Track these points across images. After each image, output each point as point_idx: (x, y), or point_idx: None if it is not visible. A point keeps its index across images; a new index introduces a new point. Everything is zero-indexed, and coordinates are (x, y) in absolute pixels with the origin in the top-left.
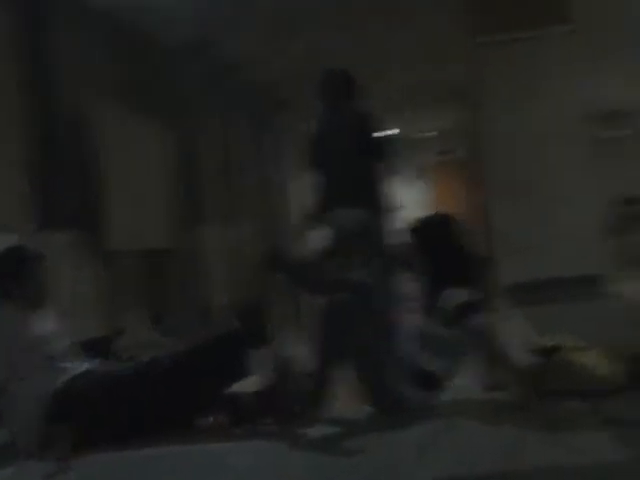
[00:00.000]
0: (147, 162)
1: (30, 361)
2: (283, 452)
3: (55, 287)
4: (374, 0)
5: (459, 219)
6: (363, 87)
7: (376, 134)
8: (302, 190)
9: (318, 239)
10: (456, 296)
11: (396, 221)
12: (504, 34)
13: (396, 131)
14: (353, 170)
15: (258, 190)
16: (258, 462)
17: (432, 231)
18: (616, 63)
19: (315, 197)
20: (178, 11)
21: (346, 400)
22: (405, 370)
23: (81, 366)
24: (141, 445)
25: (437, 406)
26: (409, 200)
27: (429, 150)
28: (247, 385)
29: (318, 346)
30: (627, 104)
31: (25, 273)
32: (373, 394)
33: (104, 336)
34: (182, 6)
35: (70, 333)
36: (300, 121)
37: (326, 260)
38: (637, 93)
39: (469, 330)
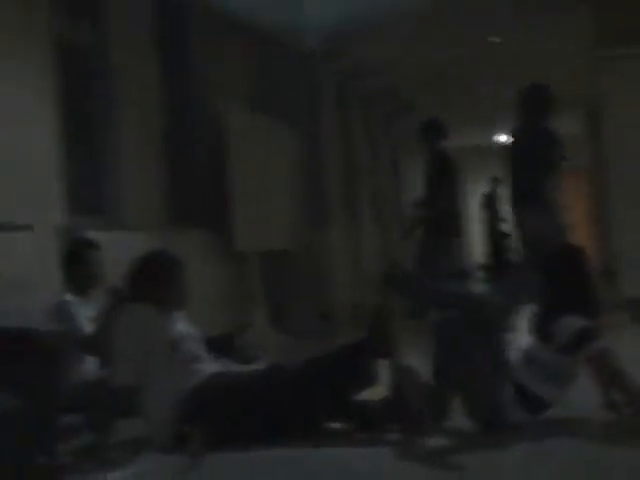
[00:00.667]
0: (273, 164)
1: (166, 361)
2: (404, 460)
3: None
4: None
5: (585, 246)
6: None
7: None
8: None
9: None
10: (574, 323)
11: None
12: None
13: (504, 137)
14: (541, 181)
15: (383, 195)
16: (381, 468)
17: (562, 263)
18: None
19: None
20: (312, 17)
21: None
22: (514, 392)
23: (212, 367)
24: (270, 446)
25: (545, 426)
26: None
27: None
28: (373, 393)
29: (433, 362)
30: None
31: (166, 278)
32: (481, 412)
33: (229, 333)
34: (318, 12)
35: (200, 333)
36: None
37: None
38: None
39: (586, 358)
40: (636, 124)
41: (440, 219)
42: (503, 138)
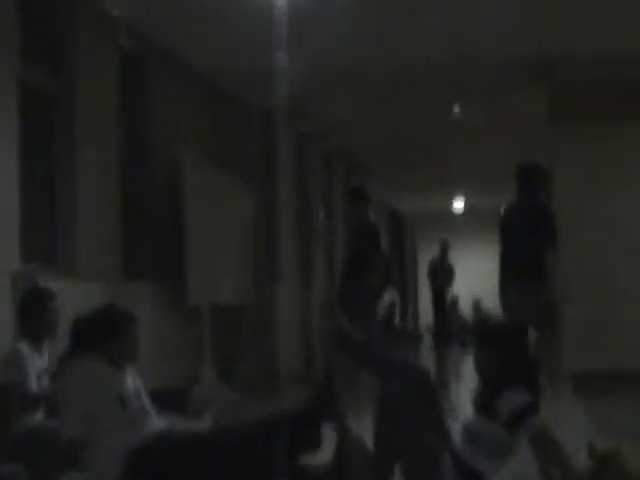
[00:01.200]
0: (228, 221)
1: (115, 417)
2: None
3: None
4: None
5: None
6: None
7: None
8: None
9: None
10: (515, 398)
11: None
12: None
13: (461, 205)
14: (533, 253)
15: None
16: None
17: (506, 341)
18: None
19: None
20: (272, 76)
21: None
22: (451, 462)
23: (158, 424)
24: None
25: None
26: (477, 280)
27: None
28: (317, 458)
29: (375, 428)
30: None
31: (118, 333)
32: None
33: (177, 388)
34: (277, 72)
35: (147, 387)
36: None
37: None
38: None
39: (527, 430)
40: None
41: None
42: (459, 204)
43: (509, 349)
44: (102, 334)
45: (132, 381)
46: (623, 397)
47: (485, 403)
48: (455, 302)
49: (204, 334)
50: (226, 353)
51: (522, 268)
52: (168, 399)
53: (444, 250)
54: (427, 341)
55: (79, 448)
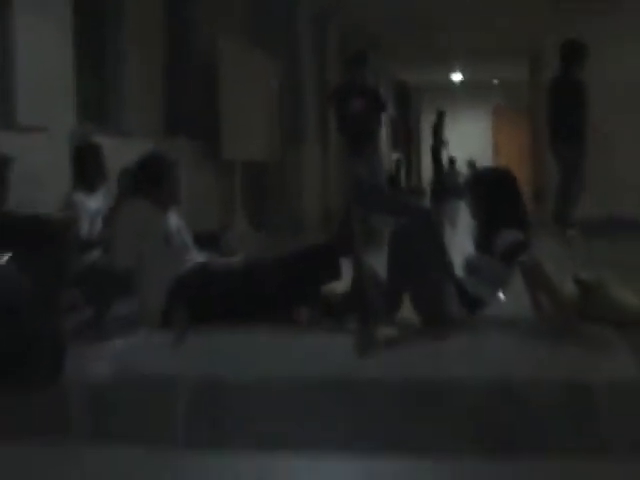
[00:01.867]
0: (258, 86)
1: (160, 250)
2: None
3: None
4: None
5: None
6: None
7: None
8: None
9: None
10: (510, 236)
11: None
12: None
13: (459, 77)
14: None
15: None
16: (340, 353)
17: (492, 185)
18: None
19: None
20: None
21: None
22: (455, 291)
23: (198, 257)
24: (245, 325)
25: (479, 322)
26: (472, 144)
27: (491, 98)
28: (337, 287)
29: (388, 262)
30: None
31: (163, 177)
32: (426, 307)
33: (214, 230)
34: None
35: (189, 229)
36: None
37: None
38: None
39: (520, 264)
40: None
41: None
42: (458, 76)
43: (498, 193)
44: (148, 179)
45: (175, 221)
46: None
47: (482, 242)
48: (453, 162)
49: (236, 186)
50: (256, 203)
51: (570, 131)
52: (205, 241)
53: (439, 117)
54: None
55: (128, 275)
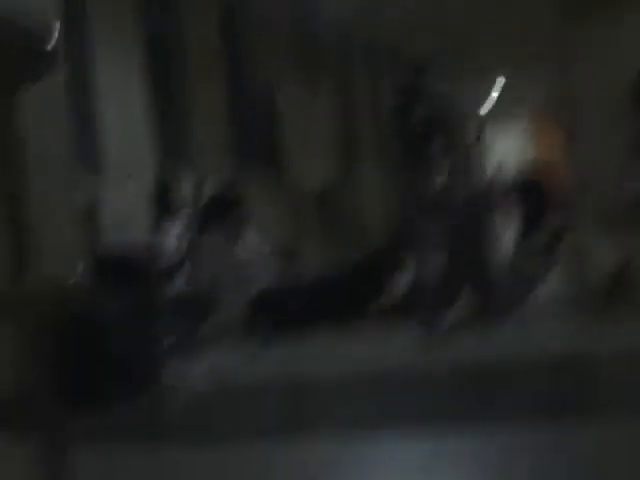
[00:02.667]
0: (317, 121)
1: (235, 275)
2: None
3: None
4: None
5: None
6: None
7: None
8: None
9: None
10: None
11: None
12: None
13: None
14: None
15: None
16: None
17: (532, 189)
18: None
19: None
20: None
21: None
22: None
23: (271, 278)
24: (316, 333)
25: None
26: (512, 149)
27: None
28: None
29: (448, 256)
30: None
31: (229, 214)
32: (484, 296)
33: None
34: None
35: (266, 253)
36: None
37: None
38: None
39: (561, 252)
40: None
41: None
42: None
43: (537, 195)
44: (217, 217)
45: (251, 244)
46: None
47: (529, 236)
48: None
49: (307, 211)
50: (326, 223)
51: None
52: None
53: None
54: None
55: (209, 300)
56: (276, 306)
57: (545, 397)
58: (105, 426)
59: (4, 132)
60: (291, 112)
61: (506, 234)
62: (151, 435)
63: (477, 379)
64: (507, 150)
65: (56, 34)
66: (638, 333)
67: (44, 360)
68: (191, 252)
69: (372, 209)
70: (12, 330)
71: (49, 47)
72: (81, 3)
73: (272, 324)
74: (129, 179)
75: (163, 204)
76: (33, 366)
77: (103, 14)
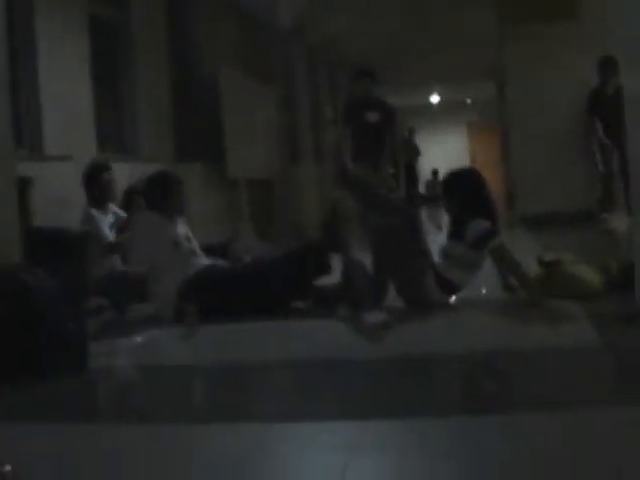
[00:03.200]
0: (258, 114)
1: (170, 255)
2: (352, 331)
3: (188, 205)
4: None
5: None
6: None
7: None
8: None
9: None
10: (480, 225)
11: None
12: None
13: (437, 98)
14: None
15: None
16: (335, 337)
17: (461, 180)
18: None
19: None
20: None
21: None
22: (434, 277)
23: (205, 261)
24: (249, 320)
25: (455, 304)
26: (451, 156)
27: (465, 115)
28: (329, 280)
29: (374, 254)
30: None
31: (170, 191)
32: (409, 293)
33: (221, 242)
34: None
35: (198, 239)
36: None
37: None
38: None
39: (489, 249)
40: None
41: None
42: (435, 98)
43: (468, 187)
44: (156, 194)
45: (183, 230)
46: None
47: (456, 232)
48: (436, 173)
49: (242, 202)
50: (261, 216)
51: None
52: (215, 250)
53: (410, 134)
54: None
55: (143, 280)
56: (206, 292)
57: (465, 391)
58: (34, 404)
59: None
60: (235, 109)
61: (437, 232)
62: (76, 414)
63: (403, 371)
64: (443, 158)
65: None
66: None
67: None
68: (126, 228)
69: (310, 203)
70: None
71: None
72: None
73: (202, 310)
74: (66, 160)
75: (96, 185)
76: None
77: None
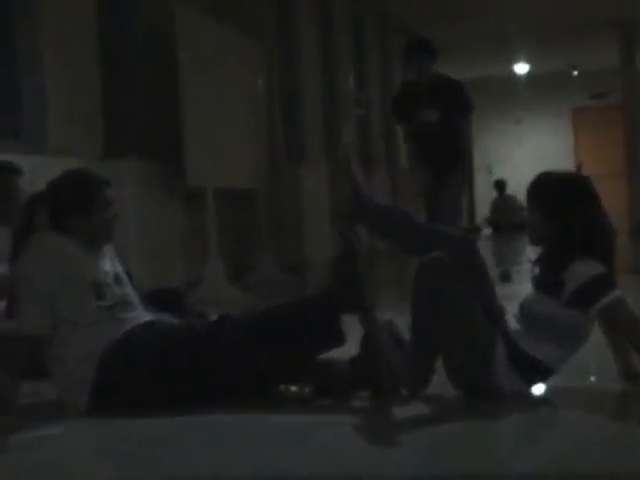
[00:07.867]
0: (235, 86)
1: (84, 306)
2: (375, 431)
3: (121, 223)
4: None
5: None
6: None
7: None
8: None
9: None
10: (586, 269)
11: None
12: None
13: (526, 67)
14: None
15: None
16: (344, 439)
17: (564, 192)
18: None
19: None
20: None
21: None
22: (507, 353)
23: (143, 318)
24: (216, 409)
25: (537, 397)
26: (541, 153)
27: (570, 92)
28: (341, 353)
29: (412, 314)
30: None
31: (86, 202)
32: (466, 377)
33: (175, 287)
34: None
35: (137, 280)
36: None
37: None
38: None
39: (599, 310)
40: None
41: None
42: (522, 68)
43: (567, 203)
44: (69, 206)
45: (111, 265)
46: None
47: (546, 278)
48: (502, 187)
49: (208, 224)
50: (237, 246)
51: None
52: (165, 299)
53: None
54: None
55: (42, 347)
56: (138, 367)
57: None
58: None
59: None
60: (199, 81)
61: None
62: None
63: None
64: (528, 164)
65: None
66: None
67: None
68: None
69: (314, 226)
70: None
71: None
72: None
73: (132, 396)
74: None
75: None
76: None
77: None
